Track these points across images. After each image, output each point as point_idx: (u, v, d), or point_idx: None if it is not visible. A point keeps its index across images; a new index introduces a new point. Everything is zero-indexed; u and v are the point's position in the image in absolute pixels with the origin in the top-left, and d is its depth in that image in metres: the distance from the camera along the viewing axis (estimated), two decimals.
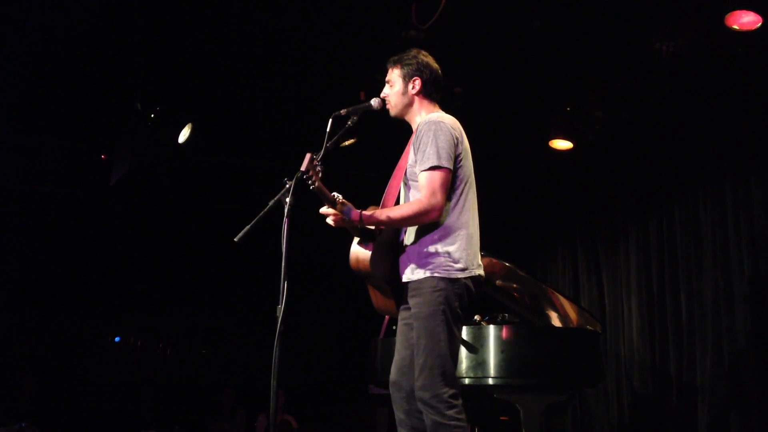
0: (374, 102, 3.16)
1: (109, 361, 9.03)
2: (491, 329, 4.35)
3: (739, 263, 5.13)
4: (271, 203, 2.87)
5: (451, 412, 2.82)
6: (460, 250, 2.96)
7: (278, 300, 2.69)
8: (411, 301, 2.97)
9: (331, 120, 2.96)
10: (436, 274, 2.92)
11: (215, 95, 6.32)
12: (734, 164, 5.30)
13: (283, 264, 2.71)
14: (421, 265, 2.95)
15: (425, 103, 3.18)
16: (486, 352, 4.29)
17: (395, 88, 3.17)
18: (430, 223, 2.94)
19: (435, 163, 2.91)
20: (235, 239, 2.89)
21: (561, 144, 6.39)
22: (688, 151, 5.74)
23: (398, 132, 3.43)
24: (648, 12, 5.02)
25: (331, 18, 5.26)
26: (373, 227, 2.98)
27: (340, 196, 2.88)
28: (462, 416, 2.84)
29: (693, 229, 5.57)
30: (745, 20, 4.69)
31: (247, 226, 2.88)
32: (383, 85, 3.25)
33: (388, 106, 3.21)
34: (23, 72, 5.86)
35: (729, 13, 4.70)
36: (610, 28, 5.18)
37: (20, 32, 5.36)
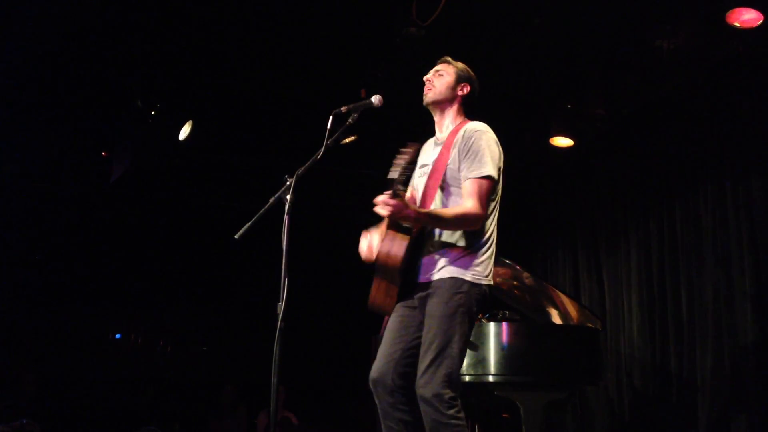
0: (375, 99, 3.14)
1: (110, 357, 9.03)
2: (492, 326, 4.36)
3: (739, 261, 5.12)
4: (271, 200, 2.88)
5: (451, 412, 2.81)
6: (486, 258, 3.00)
7: (279, 297, 2.70)
8: (430, 300, 2.95)
9: (331, 117, 2.96)
10: (462, 277, 2.92)
11: (215, 93, 6.32)
12: (735, 162, 5.30)
13: (283, 261, 2.72)
14: (448, 267, 2.95)
15: (461, 110, 3.20)
16: (486, 349, 4.29)
17: (446, 79, 3.17)
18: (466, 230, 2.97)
19: (489, 173, 2.94)
20: (236, 236, 2.89)
21: (562, 141, 6.38)
22: (689, 148, 5.74)
23: (398, 130, 3.42)
24: (649, 9, 5.01)
25: (331, 15, 5.25)
26: (410, 224, 2.94)
27: (405, 190, 2.88)
28: (461, 415, 2.84)
29: (694, 227, 5.57)
30: (746, 17, 4.69)
31: (248, 224, 2.89)
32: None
33: (427, 90, 3.17)
34: (23, 69, 5.86)
35: (730, 11, 4.70)
36: (611, 25, 5.18)
37: (21, 30, 5.35)
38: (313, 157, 2.94)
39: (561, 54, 5.58)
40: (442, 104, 3.19)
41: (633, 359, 6.03)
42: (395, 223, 2.94)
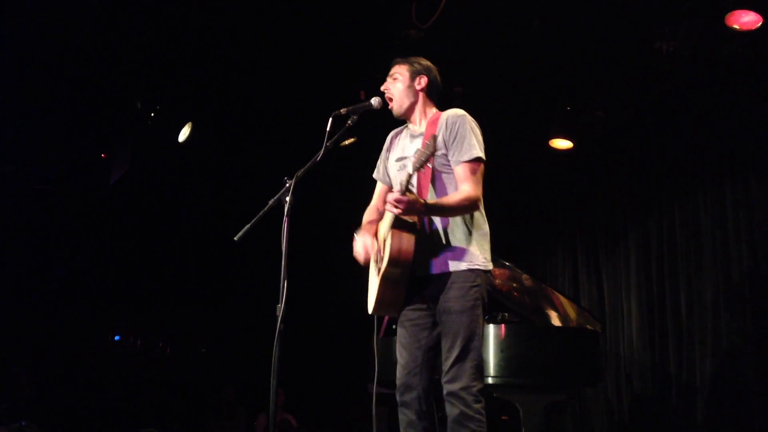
0: (374, 101, 3.16)
1: (109, 359, 9.02)
2: (491, 328, 4.35)
3: (738, 262, 5.13)
4: (271, 202, 2.88)
5: (477, 406, 2.85)
6: (487, 244, 3.05)
7: (278, 299, 2.69)
8: (442, 295, 2.95)
9: (331, 119, 2.96)
10: (473, 267, 2.95)
11: (215, 94, 6.32)
12: (734, 163, 5.31)
13: (283, 263, 2.71)
14: (457, 258, 2.96)
15: (428, 101, 3.22)
16: (486, 351, 4.29)
17: (400, 82, 3.19)
18: (461, 216, 2.99)
19: (479, 155, 2.98)
20: (235, 238, 2.89)
21: (561, 143, 6.38)
22: (688, 150, 5.75)
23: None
24: (648, 11, 5.02)
25: (331, 17, 5.26)
26: (416, 219, 2.94)
27: (414, 185, 2.88)
28: (484, 413, 2.88)
29: (693, 229, 5.57)
30: (746, 20, 4.70)
31: (247, 225, 2.89)
32: (383, 84, 3.25)
33: (389, 101, 3.20)
34: (24, 70, 5.86)
35: (729, 13, 4.71)
36: (611, 27, 5.18)
37: (21, 30, 5.35)
38: (313, 159, 2.94)
39: (560, 56, 5.59)
40: (407, 108, 3.21)
41: (632, 361, 6.03)
42: (399, 221, 2.93)
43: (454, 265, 2.96)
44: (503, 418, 5.45)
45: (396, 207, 2.77)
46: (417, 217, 2.93)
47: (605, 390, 6.21)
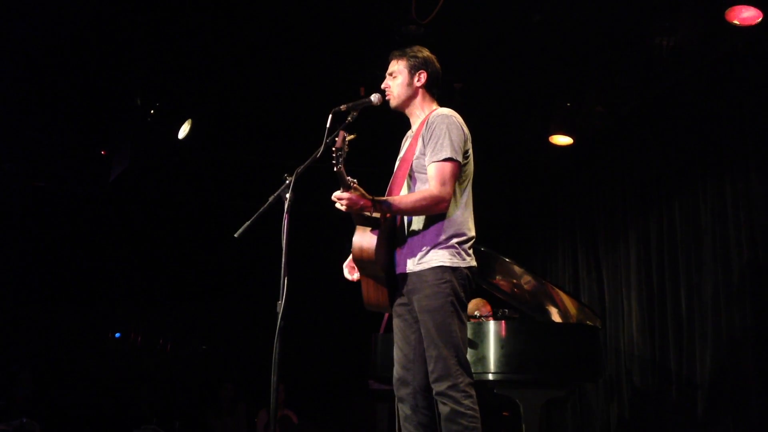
0: (374, 97, 3.16)
1: (110, 356, 9.02)
2: (491, 325, 4.36)
3: (738, 258, 5.13)
4: (271, 199, 2.89)
5: (467, 402, 2.86)
6: (462, 243, 3.00)
7: (278, 295, 2.70)
8: (415, 295, 2.97)
9: (330, 116, 2.97)
10: (440, 264, 2.93)
11: (215, 91, 6.31)
12: (734, 159, 5.31)
13: (283, 260, 2.72)
14: (424, 257, 2.97)
15: (427, 97, 3.22)
16: (486, 347, 4.30)
17: (399, 79, 3.19)
18: (435, 214, 2.97)
19: (449, 155, 2.95)
20: (236, 235, 2.90)
21: (561, 139, 6.39)
22: (687, 145, 5.75)
23: (398, 127, 3.43)
24: (648, 6, 5.01)
25: (330, 13, 5.25)
26: (378, 215, 2.95)
27: (355, 181, 2.85)
28: (476, 407, 2.89)
29: (693, 224, 5.57)
30: (746, 15, 4.70)
31: (248, 222, 2.90)
32: (383, 81, 3.25)
33: (388, 98, 3.21)
34: (22, 67, 5.85)
35: (729, 8, 4.70)
36: (611, 22, 5.18)
37: (19, 27, 5.35)
38: (313, 156, 2.95)
39: (560, 52, 5.58)
40: (406, 104, 3.22)
41: (632, 357, 6.03)
42: (362, 218, 2.96)
43: (423, 264, 2.97)
44: (504, 414, 5.45)
45: (340, 204, 2.84)
46: (380, 214, 2.94)
47: (605, 385, 6.22)
